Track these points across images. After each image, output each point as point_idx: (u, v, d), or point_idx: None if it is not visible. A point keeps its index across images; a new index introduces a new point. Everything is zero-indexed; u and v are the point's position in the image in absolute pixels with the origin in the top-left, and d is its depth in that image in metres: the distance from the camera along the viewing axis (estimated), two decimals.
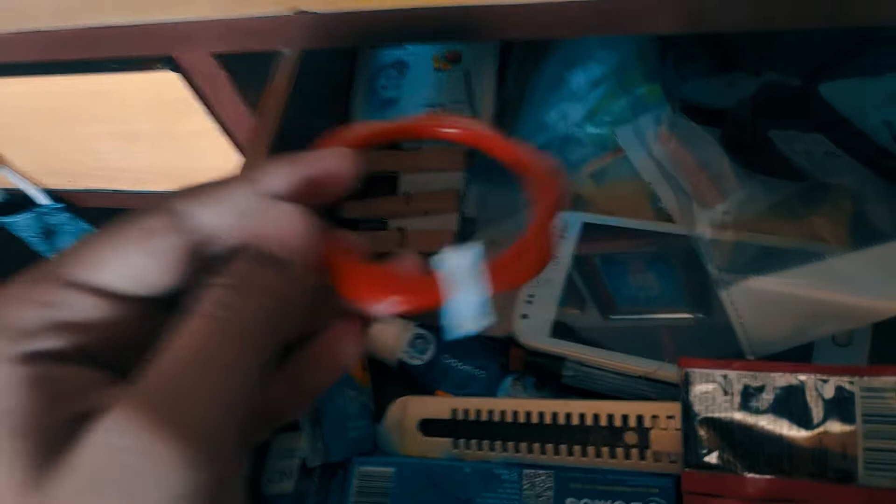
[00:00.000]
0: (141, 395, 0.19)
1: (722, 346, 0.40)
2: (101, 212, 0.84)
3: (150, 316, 0.23)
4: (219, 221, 0.23)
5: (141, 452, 0.18)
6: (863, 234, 0.41)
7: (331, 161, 0.25)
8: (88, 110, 0.62)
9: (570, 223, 0.49)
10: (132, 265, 0.22)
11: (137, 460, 0.18)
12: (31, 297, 0.21)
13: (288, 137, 0.51)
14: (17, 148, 0.72)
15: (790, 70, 0.44)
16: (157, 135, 0.63)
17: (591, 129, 0.52)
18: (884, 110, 0.43)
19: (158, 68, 0.53)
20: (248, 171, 0.24)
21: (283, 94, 0.52)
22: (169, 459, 0.18)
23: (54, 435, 0.19)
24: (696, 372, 0.37)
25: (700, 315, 0.44)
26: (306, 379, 0.25)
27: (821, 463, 0.35)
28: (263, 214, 0.23)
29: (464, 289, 0.22)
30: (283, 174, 0.24)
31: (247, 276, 0.22)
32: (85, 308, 0.22)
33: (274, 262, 0.22)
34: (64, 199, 0.77)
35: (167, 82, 0.56)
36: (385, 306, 0.22)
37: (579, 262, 0.48)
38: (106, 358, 0.22)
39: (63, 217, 0.77)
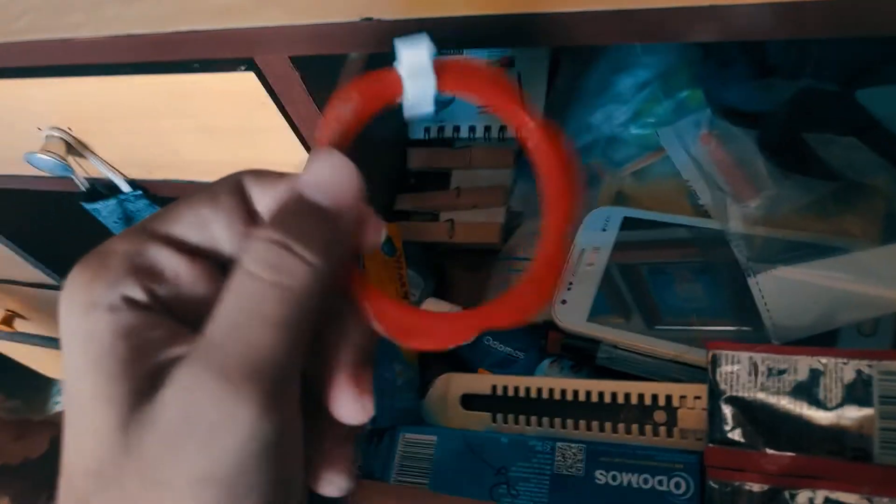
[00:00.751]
0: (207, 349, 0.20)
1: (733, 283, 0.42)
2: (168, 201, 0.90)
3: (217, 275, 0.24)
4: (267, 203, 0.24)
5: (213, 404, 0.19)
6: (893, 231, 0.43)
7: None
8: (170, 107, 0.68)
9: (611, 217, 0.52)
10: (201, 218, 0.23)
11: (211, 412, 0.19)
12: (122, 248, 0.23)
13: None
14: (104, 140, 0.78)
15: (826, 76, 0.46)
16: (232, 130, 0.69)
17: (635, 130, 0.54)
18: None
19: (239, 69, 0.59)
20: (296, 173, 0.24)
21: None
22: (239, 409, 0.19)
23: (143, 383, 0.20)
24: (722, 353, 0.40)
25: (745, 328, 0.44)
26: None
27: (839, 442, 0.37)
28: (320, 162, 0.23)
29: (418, 80, 0.24)
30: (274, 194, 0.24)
31: (297, 231, 0.22)
32: (164, 258, 0.23)
33: (322, 214, 0.23)
34: (142, 187, 0.83)
35: (245, 82, 0.61)
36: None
37: (624, 270, 0.50)
38: (182, 312, 0.23)
39: (141, 204, 0.84)
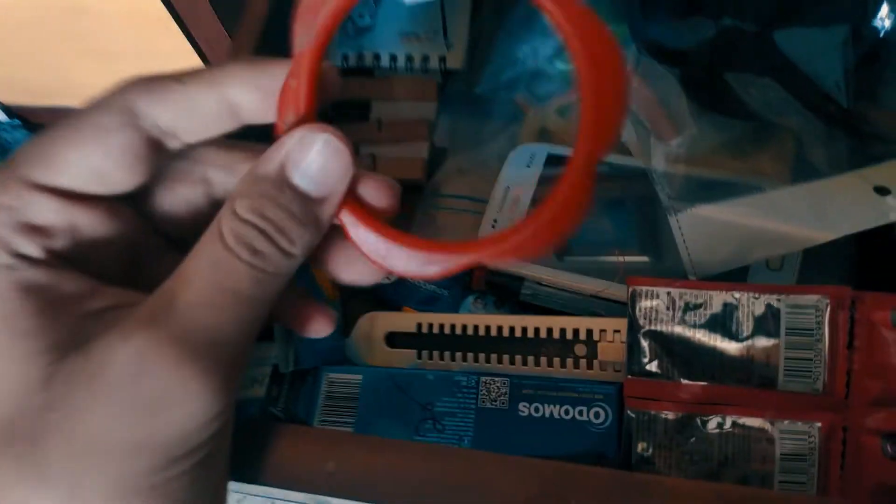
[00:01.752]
0: (172, 315, 0.19)
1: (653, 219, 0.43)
2: None
3: (125, 215, 0.23)
4: (179, 124, 0.22)
5: (168, 373, 0.18)
6: (802, 173, 0.45)
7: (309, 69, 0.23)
8: (60, 26, 0.62)
9: (535, 154, 0.52)
10: (92, 165, 0.21)
11: (164, 380, 0.18)
12: (2, 204, 0.20)
13: None
14: None
15: (748, 16, 0.47)
16: (130, 54, 0.63)
17: (559, 66, 0.54)
18: (831, 59, 0.46)
19: None
20: (211, 73, 0.23)
21: (260, 17, 0.53)
22: (196, 384, 0.19)
23: (65, 337, 0.19)
24: (642, 289, 0.41)
25: (651, 258, 0.47)
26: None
27: (747, 370, 0.39)
28: (299, 142, 0.21)
29: None
30: (251, 83, 0.22)
31: (281, 218, 0.21)
32: (52, 210, 0.21)
33: (308, 200, 0.22)
34: (23, 116, 0.76)
35: (144, 1, 0.56)
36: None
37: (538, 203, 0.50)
38: (93, 264, 0.22)
39: (19, 135, 0.76)
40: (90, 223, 0.22)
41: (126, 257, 0.24)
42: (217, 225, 0.21)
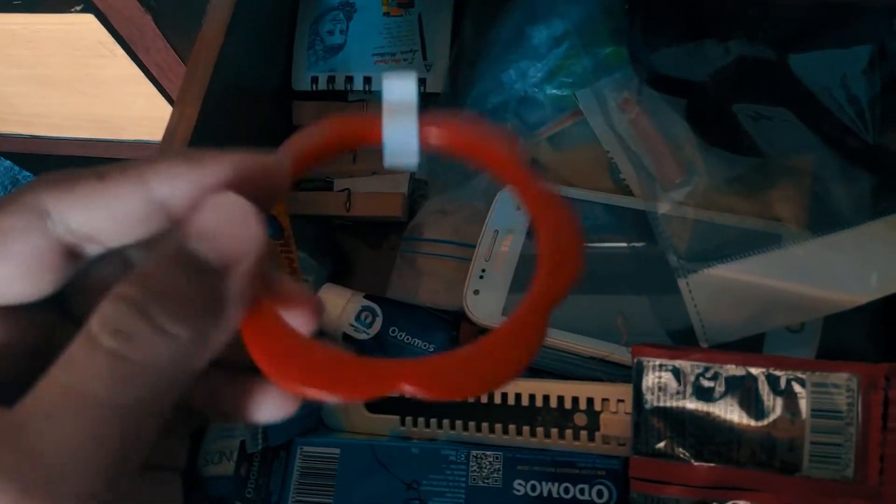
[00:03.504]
0: (6, 439, 0.15)
1: (660, 276, 0.40)
2: (18, 156, 0.77)
3: (38, 322, 0.20)
4: (98, 226, 0.19)
5: None
6: (820, 215, 0.40)
7: (254, 163, 0.19)
8: (2, 51, 0.56)
9: None
10: None
11: None
12: None
13: (223, 89, 0.47)
14: None
15: (760, 39, 0.42)
16: (76, 80, 0.58)
17: (550, 91, 0.49)
18: (853, 85, 0.42)
19: (75, 10, 0.48)
20: (136, 168, 0.19)
21: (217, 40, 0.47)
22: None
23: None
24: (649, 361, 0.36)
25: (641, 244, 0.43)
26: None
27: (768, 453, 0.35)
28: (212, 208, 0.18)
29: (403, 119, 0.20)
30: (183, 180, 0.19)
31: (161, 289, 0.17)
32: None
33: (203, 270, 0.17)
34: None
35: (85, 25, 0.50)
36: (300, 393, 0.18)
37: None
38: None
39: None
40: None
41: (28, 364, 0.19)
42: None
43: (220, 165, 0.19)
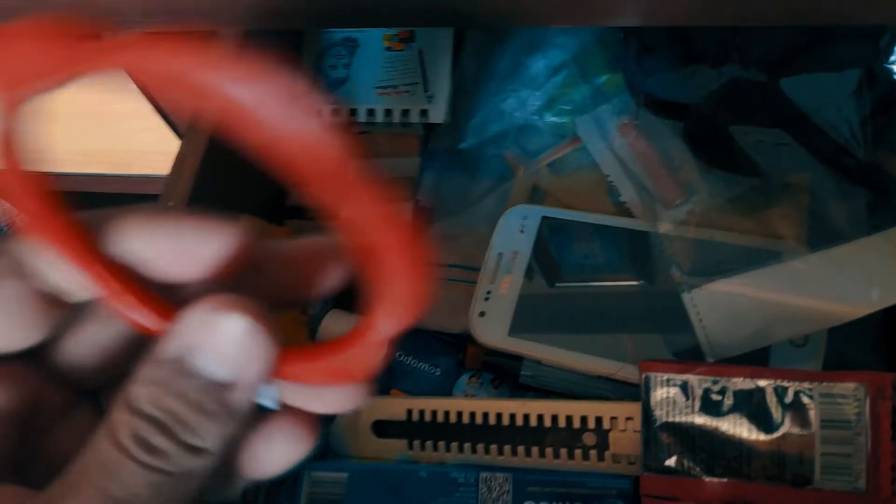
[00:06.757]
0: None
1: (667, 316, 0.41)
2: None
3: (25, 380, 0.20)
4: (71, 285, 0.19)
5: None
6: (819, 231, 0.41)
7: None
8: None
9: (528, 216, 0.48)
10: None
11: None
12: None
13: None
14: None
15: (752, 63, 0.43)
16: (86, 114, 0.59)
17: (549, 118, 0.50)
18: (844, 106, 0.43)
19: None
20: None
21: None
22: None
23: None
24: (656, 376, 0.37)
25: (643, 282, 0.44)
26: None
27: (779, 466, 0.35)
28: (203, 324, 0.18)
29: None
30: (153, 236, 0.19)
31: (180, 408, 0.17)
32: None
33: (210, 386, 0.18)
34: None
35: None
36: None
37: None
38: None
39: None
40: None
41: (11, 429, 0.19)
42: (109, 416, 0.17)
43: (194, 224, 0.19)
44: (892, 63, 0.44)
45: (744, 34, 0.43)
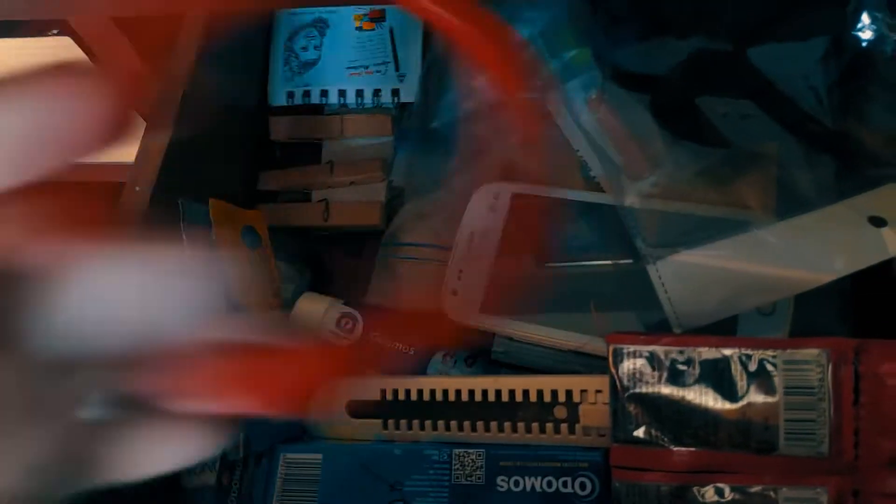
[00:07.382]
0: None
1: (638, 291, 0.41)
2: None
3: None
4: None
5: None
6: (787, 201, 0.41)
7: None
8: None
9: (499, 194, 0.48)
10: None
11: None
12: None
13: (197, 106, 0.48)
14: None
15: (720, 33, 0.43)
16: None
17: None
18: (811, 75, 0.43)
19: (51, 34, 0.48)
20: None
21: (189, 59, 0.48)
22: None
23: None
24: (623, 349, 0.37)
25: (614, 257, 0.44)
26: None
27: (744, 434, 0.35)
28: None
29: None
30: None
31: None
32: None
33: None
34: None
35: (62, 48, 0.51)
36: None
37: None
38: None
39: None
40: None
41: None
42: None
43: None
44: (859, 30, 0.44)
45: (712, 2, 0.43)
